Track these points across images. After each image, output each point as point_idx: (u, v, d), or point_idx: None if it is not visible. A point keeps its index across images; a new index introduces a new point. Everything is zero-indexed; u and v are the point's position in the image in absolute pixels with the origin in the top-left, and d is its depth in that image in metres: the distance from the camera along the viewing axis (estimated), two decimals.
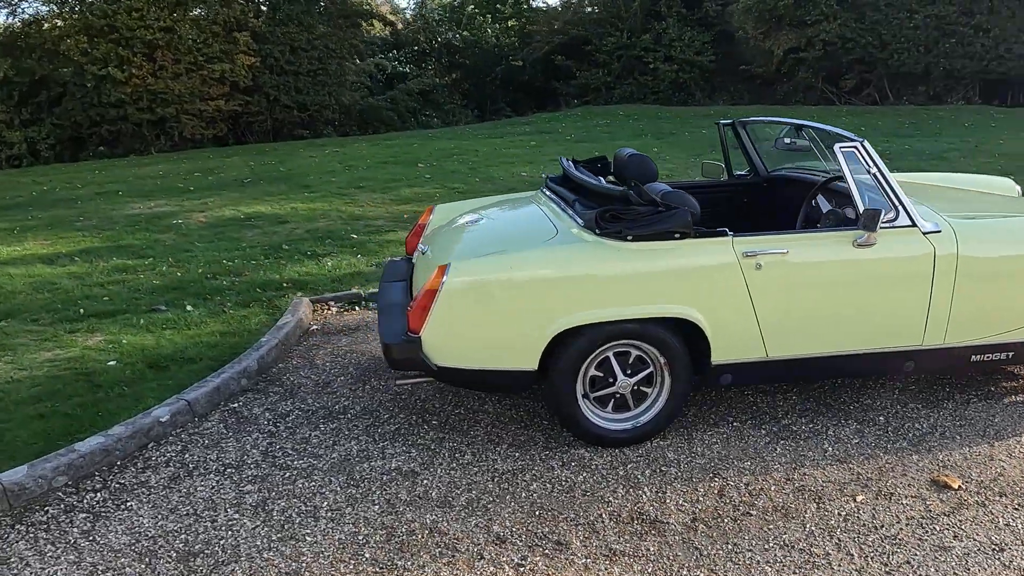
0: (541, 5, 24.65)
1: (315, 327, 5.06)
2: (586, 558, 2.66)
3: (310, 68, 16.16)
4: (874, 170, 3.30)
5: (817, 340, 3.33)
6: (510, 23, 24.07)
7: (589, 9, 21.75)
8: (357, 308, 5.41)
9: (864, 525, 2.79)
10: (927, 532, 2.75)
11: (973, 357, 3.46)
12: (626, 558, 2.66)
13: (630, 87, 20.81)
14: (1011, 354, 3.48)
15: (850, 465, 3.19)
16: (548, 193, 3.94)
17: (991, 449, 3.28)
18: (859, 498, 2.95)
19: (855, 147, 3.33)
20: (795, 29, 18.49)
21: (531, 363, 3.18)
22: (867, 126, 14.20)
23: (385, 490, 3.12)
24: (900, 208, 3.29)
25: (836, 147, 3.35)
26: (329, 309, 5.38)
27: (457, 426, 3.63)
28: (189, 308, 5.32)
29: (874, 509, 2.88)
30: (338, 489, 3.14)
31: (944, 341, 3.40)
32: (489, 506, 2.99)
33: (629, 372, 3.29)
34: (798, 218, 4.02)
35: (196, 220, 8.23)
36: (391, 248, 6.69)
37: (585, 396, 3.29)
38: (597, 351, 3.22)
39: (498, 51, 23.20)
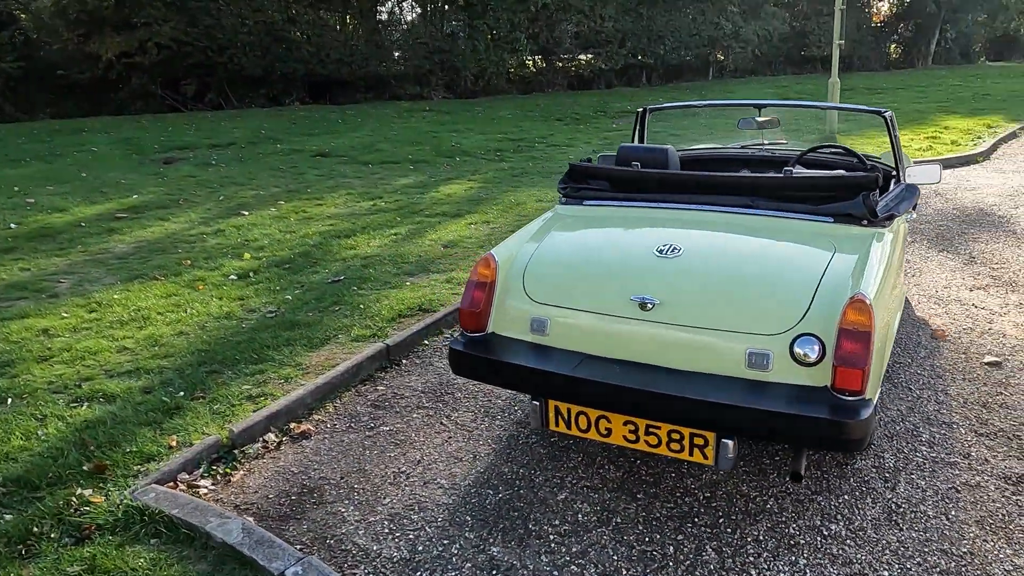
0: None
1: (232, 519, 2.80)
2: None
3: None
4: (896, 134, 3.87)
5: None
6: None
7: None
8: (239, 464, 3.17)
9: None
10: None
11: None
12: None
13: None
14: None
15: None
16: (663, 204, 3.15)
17: None
18: None
19: (892, 116, 3.82)
20: (123, 32, 16.70)
21: None
22: (214, 130, 14.19)
23: None
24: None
25: (887, 115, 3.78)
26: (198, 486, 3.00)
27: (750, 511, 2.79)
28: None
29: None
30: None
31: None
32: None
33: None
34: None
35: None
36: (54, 368, 3.92)
37: None
38: None
39: None
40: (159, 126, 14.86)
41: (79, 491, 2.87)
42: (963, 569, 2.44)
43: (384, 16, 20.52)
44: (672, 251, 2.78)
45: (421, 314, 4.65)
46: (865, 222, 2.90)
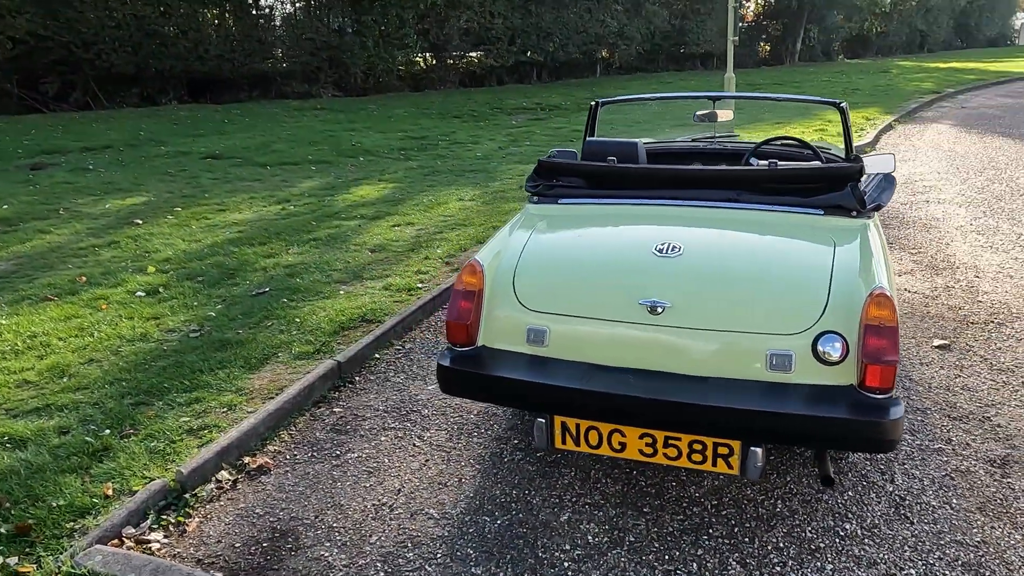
0: None
1: None
2: None
3: None
4: (849, 125, 3.88)
5: None
6: None
7: None
8: (192, 510, 2.77)
9: None
10: None
11: None
12: None
13: None
14: None
15: None
16: (645, 200, 3.00)
17: None
18: None
19: (846, 106, 3.82)
20: None
21: None
22: (85, 132, 13.17)
23: None
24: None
25: (842, 105, 3.78)
26: (148, 541, 2.59)
27: (762, 517, 2.69)
28: None
29: None
30: None
31: None
32: None
33: None
34: None
35: None
36: None
37: None
38: None
39: None
40: (19, 128, 13.49)
41: (1, 560, 2.41)
42: (982, 559, 2.43)
43: (265, 10, 19.56)
44: (672, 250, 2.64)
45: (365, 325, 4.32)
46: (854, 213, 2.86)
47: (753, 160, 4.09)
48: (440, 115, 16.13)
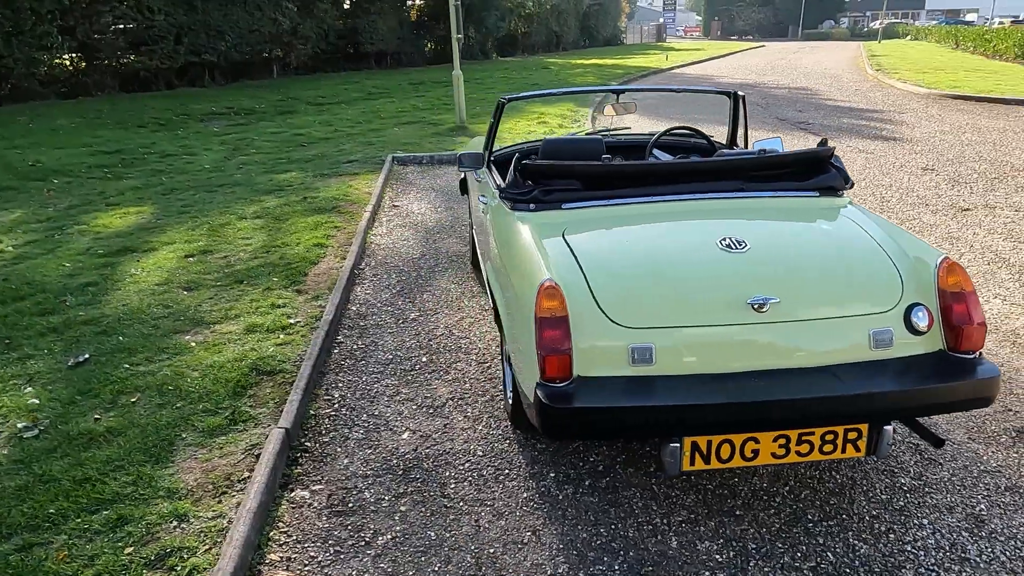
0: None
1: None
2: None
3: None
4: (745, 114, 4.09)
5: None
6: None
7: None
8: None
9: None
10: None
11: None
12: None
13: None
14: None
15: None
16: (657, 198, 2.86)
17: None
18: None
19: (744, 96, 4.02)
20: None
21: None
22: None
23: None
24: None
25: (739, 94, 3.96)
26: None
27: (835, 491, 2.76)
28: None
29: None
30: None
31: None
32: None
33: None
34: None
35: None
36: None
37: None
38: None
39: None
40: None
41: None
42: (1014, 483, 2.77)
43: None
44: (738, 244, 2.56)
45: (267, 379, 3.55)
46: (841, 192, 3.06)
47: (656, 152, 4.19)
48: (119, 125, 13.97)
